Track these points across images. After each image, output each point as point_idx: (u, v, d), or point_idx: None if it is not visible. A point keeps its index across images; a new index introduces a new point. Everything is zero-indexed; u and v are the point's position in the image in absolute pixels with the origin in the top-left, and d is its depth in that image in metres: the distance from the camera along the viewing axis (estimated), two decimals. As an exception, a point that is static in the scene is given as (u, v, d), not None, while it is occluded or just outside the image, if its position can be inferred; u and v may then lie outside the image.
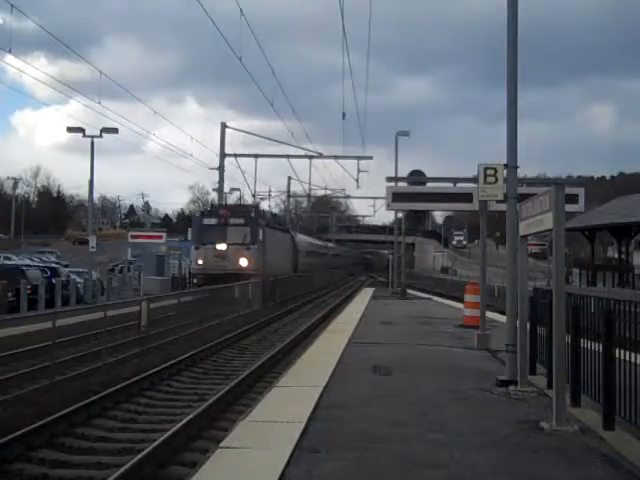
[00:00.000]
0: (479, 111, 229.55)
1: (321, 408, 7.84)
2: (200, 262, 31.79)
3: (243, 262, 31.38)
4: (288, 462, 5.73)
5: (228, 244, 31.71)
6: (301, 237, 49.49)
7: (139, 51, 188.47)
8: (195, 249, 32.75)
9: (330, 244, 72.58)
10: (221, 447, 6.31)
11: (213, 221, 32.47)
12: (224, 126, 39.96)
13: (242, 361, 16.07)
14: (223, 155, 39.69)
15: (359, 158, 45.02)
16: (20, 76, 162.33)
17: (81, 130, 31.86)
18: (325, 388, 9.00)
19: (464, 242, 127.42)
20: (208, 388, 12.48)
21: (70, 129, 32.80)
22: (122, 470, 6.94)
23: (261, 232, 32.61)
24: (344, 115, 37.63)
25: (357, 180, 46.33)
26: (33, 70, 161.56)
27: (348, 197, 78.24)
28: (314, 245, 56.53)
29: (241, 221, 32.37)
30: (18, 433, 8.30)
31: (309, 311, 31.56)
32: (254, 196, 47.45)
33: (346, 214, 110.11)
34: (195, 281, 31.67)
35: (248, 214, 33.31)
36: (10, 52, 21.60)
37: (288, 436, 6.53)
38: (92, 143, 31.75)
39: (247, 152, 44.46)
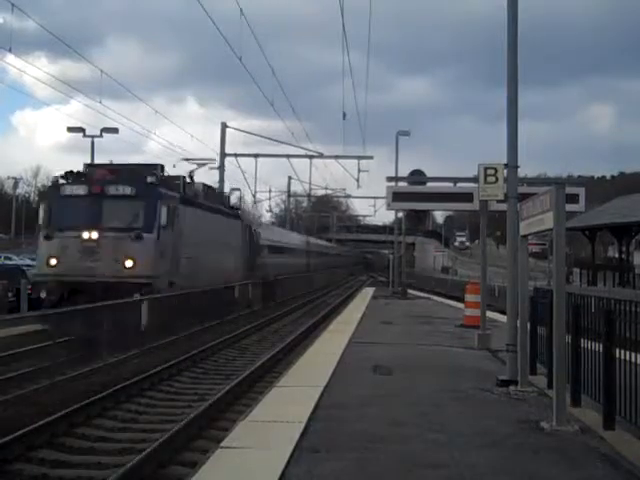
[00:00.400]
0: (479, 111, 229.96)
1: (321, 408, 7.84)
2: (53, 262, 18.96)
3: (129, 263, 18.88)
4: (288, 462, 5.73)
5: (103, 230, 19.00)
6: (268, 229, 41.09)
7: (139, 51, 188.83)
8: (45, 239, 19.46)
9: (328, 243, 72.22)
10: (221, 447, 6.31)
11: (80, 190, 19.63)
12: (224, 126, 39.91)
13: (242, 361, 16.06)
14: (223, 155, 39.61)
15: (359, 158, 44.98)
16: (21, 76, 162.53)
17: (81, 130, 31.92)
18: (325, 388, 9.00)
19: (467, 243, 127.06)
20: (208, 388, 12.47)
21: (70, 129, 32.85)
22: (122, 470, 6.95)
23: (166, 211, 20.05)
24: (344, 115, 37.53)
25: (357, 180, 46.29)
26: (34, 70, 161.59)
27: (349, 197, 78.21)
28: (292, 241, 47.45)
29: (129, 190, 19.63)
30: (18, 433, 8.30)
31: (309, 311, 31.51)
32: (254, 196, 47.36)
33: (347, 214, 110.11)
34: (42, 295, 18.57)
35: (143, 179, 19.93)
36: (11, 51, 21.61)
37: (288, 436, 6.52)
38: (92, 143, 31.84)
39: (247, 152, 44.44)
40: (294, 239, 49.71)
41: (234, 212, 30.13)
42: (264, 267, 33.11)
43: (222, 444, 6.42)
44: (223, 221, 26.69)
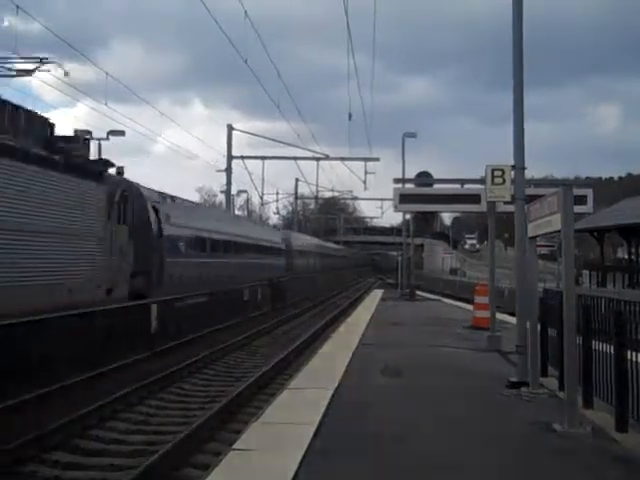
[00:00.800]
0: (481, 112, 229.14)
1: (332, 410, 7.86)
2: None
3: None
4: (300, 464, 5.75)
5: None
6: (194, 211, 26.25)
7: (143, 52, 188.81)
8: None
9: (333, 244, 71.46)
10: (233, 449, 6.33)
11: None
12: (230, 128, 39.93)
13: (253, 363, 16.09)
14: (230, 157, 39.64)
15: (366, 160, 44.98)
16: (29, 80, 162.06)
17: (88, 133, 31.82)
18: (336, 389, 9.02)
19: (477, 245, 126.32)
20: (219, 390, 12.52)
21: (77, 132, 32.74)
22: (136, 472, 6.99)
23: None
24: (350, 116, 37.55)
25: (364, 182, 46.30)
26: (39, 73, 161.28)
27: (356, 199, 78.33)
28: (260, 236, 33.51)
29: None
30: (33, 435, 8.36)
31: (319, 313, 31.56)
32: (261, 198, 47.40)
33: (354, 215, 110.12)
34: None
35: None
36: (17, 54, 21.57)
37: (300, 438, 6.55)
38: (99, 145, 31.53)
39: (253, 154, 44.49)
40: (262, 233, 35.63)
41: (87, 167, 15.35)
42: (188, 272, 20.70)
43: (234, 446, 6.45)
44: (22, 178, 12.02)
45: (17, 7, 18.85)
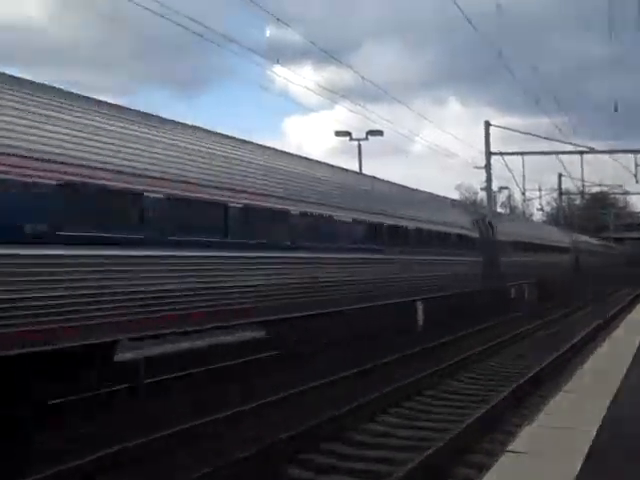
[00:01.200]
0: None
1: (611, 420, 7.34)
2: None
3: None
4: (580, 472, 5.44)
5: None
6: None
7: (398, 54, 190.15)
8: None
9: (593, 240, 66.04)
10: (507, 451, 6.17)
11: None
12: (487, 124, 39.24)
13: (524, 362, 15.58)
14: (489, 154, 38.98)
15: (636, 152, 41.96)
16: (286, 85, 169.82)
17: (348, 134, 32.93)
18: (615, 397, 8.43)
19: None
20: (490, 389, 12.31)
21: (338, 133, 34.02)
22: (409, 467, 7.07)
23: None
24: (616, 107, 35.07)
25: (635, 175, 43.15)
26: (299, 78, 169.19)
27: (627, 193, 73.08)
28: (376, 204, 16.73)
29: None
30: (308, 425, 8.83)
31: (591, 312, 30.05)
32: (524, 194, 46.07)
33: (626, 211, 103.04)
34: None
35: None
36: (278, 62, 23.03)
37: (577, 444, 6.19)
38: (359, 146, 32.63)
39: (511, 150, 43.17)
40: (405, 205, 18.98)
41: None
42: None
43: (508, 448, 6.27)
44: None
45: (277, 19, 20.28)
